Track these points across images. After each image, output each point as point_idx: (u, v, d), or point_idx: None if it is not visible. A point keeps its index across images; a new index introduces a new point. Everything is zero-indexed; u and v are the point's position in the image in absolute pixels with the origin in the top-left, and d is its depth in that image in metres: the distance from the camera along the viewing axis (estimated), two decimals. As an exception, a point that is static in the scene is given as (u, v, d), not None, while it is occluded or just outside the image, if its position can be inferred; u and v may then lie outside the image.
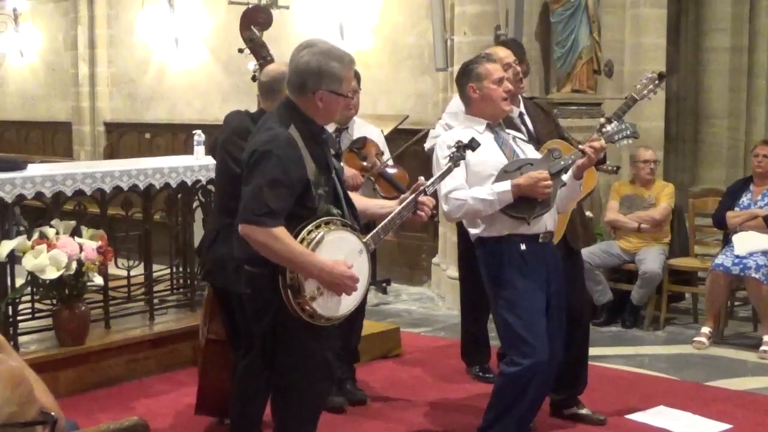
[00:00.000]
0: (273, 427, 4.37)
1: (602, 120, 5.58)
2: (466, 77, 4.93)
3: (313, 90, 3.99)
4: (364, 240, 4.08)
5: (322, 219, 3.93)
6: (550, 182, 4.67)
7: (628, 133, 5.03)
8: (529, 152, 4.95)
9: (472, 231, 4.86)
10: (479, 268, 5.03)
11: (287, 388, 4.22)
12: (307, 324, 3.94)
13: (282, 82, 4.73)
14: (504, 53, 5.58)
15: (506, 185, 4.64)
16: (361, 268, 4.02)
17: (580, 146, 4.86)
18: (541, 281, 4.82)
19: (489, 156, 4.77)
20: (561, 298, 4.98)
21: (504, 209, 4.69)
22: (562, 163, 4.80)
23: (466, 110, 4.99)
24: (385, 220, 4.23)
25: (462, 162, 4.56)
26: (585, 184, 5.41)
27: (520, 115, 5.53)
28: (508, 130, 5.03)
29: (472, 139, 4.49)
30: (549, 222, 4.88)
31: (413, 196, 4.26)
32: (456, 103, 6.42)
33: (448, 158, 4.47)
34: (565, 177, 4.86)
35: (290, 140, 3.91)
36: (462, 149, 4.45)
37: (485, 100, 4.88)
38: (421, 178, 4.39)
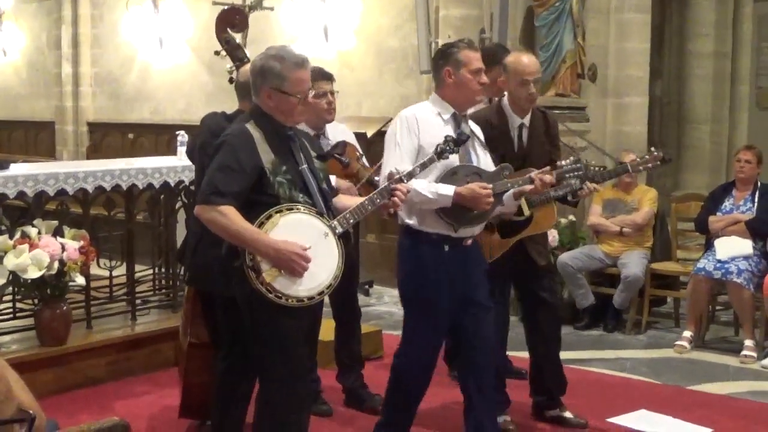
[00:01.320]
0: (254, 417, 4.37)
1: (591, 167, 5.55)
2: (444, 60, 4.86)
3: (259, 88, 4.22)
4: (330, 223, 4.15)
5: (284, 205, 4.07)
6: (492, 199, 4.68)
7: (580, 173, 5.07)
8: (482, 158, 4.90)
9: (403, 218, 4.80)
10: None
11: (266, 375, 4.29)
12: (280, 308, 4.05)
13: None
14: (524, 67, 5.40)
15: (449, 190, 4.62)
16: (328, 250, 4.13)
17: (531, 174, 4.86)
18: (456, 284, 4.81)
19: None
20: (484, 294, 4.96)
21: (438, 210, 4.69)
22: (509, 185, 4.82)
23: (436, 90, 4.92)
24: (356, 204, 4.29)
25: (415, 140, 4.67)
26: (540, 223, 5.48)
27: (521, 126, 5.46)
28: (470, 123, 4.98)
29: (461, 133, 4.54)
30: (476, 228, 4.90)
31: (388, 183, 4.32)
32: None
33: (435, 148, 4.48)
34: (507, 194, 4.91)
35: (244, 132, 4.15)
36: (450, 143, 4.47)
37: (459, 87, 4.81)
38: (395, 168, 4.43)
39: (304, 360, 4.38)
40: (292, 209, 4.07)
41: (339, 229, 4.19)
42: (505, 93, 5.54)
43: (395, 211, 4.45)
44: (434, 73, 4.97)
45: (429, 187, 4.63)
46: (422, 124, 4.75)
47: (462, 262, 4.84)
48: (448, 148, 4.47)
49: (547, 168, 4.97)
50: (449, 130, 4.74)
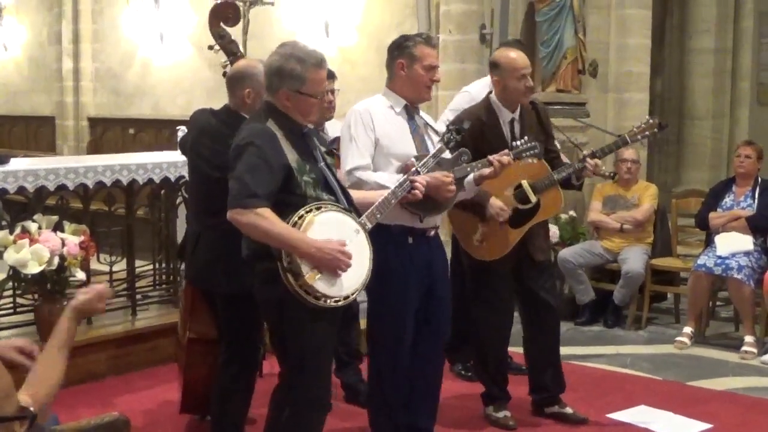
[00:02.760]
0: (270, 420, 4.33)
1: (586, 152, 5.58)
2: (399, 51, 4.84)
3: (276, 89, 4.09)
4: (360, 220, 4.12)
5: (313, 204, 3.97)
6: (454, 187, 4.68)
7: (535, 152, 5.09)
8: (438, 146, 4.90)
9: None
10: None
11: (294, 378, 4.16)
12: (312, 311, 3.96)
13: (243, 78, 4.77)
14: (522, 62, 5.42)
15: None
16: (360, 247, 4.07)
17: (488, 157, 4.87)
18: (421, 275, 4.84)
19: (398, 141, 4.76)
20: (446, 287, 5.03)
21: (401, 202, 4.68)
22: (468, 169, 4.84)
23: (388, 83, 4.92)
24: (380, 200, 4.28)
25: (371, 134, 4.69)
26: (548, 207, 5.50)
27: (512, 120, 5.47)
28: (422, 114, 5.00)
29: (463, 121, 4.55)
30: (438, 219, 4.93)
31: (406, 175, 4.36)
32: (459, 100, 6.44)
33: (441, 138, 4.51)
34: (467, 178, 4.93)
35: (267, 131, 4.01)
36: (455, 132, 4.53)
37: (410, 81, 4.81)
38: (412, 159, 4.48)
39: (329, 366, 4.33)
40: (321, 208, 3.98)
41: (369, 226, 4.16)
42: (492, 90, 5.55)
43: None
44: (388, 63, 4.92)
45: (391, 179, 4.62)
46: (376, 117, 4.76)
47: (426, 253, 4.88)
48: (452, 136, 4.53)
49: (505, 150, 4.98)
50: (402, 122, 4.81)
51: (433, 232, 4.91)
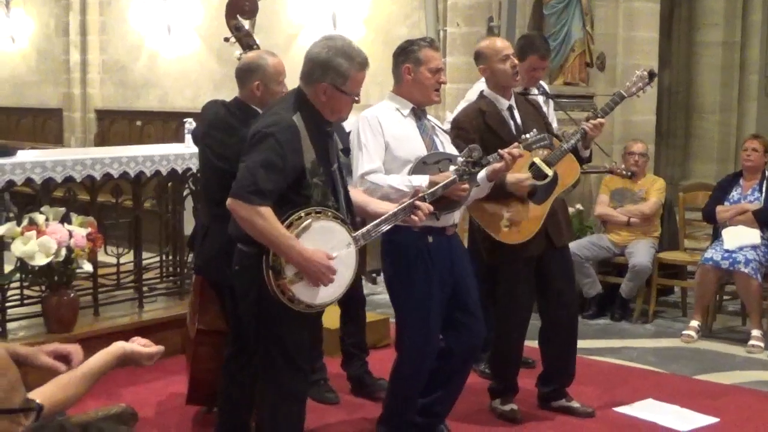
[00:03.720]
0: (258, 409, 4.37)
1: (589, 114, 5.59)
2: (404, 56, 4.88)
3: (316, 81, 4.06)
4: (354, 235, 4.12)
5: (314, 208, 3.98)
6: (467, 186, 4.69)
7: (545, 143, 5.09)
8: (447, 144, 4.96)
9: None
10: (483, 261, 5.09)
11: (268, 371, 4.25)
12: (287, 309, 4.00)
13: (252, 71, 4.78)
14: (502, 44, 5.51)
15: (424, 180, 4.62)
16: (347, 261, 4.08)
17: (499, 150, 4.87)
18: (443, 274, 4.86)
19: (409, 143, 4.78)
20: (471, 286, 5.04)
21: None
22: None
23: (395, 88, 4.95)
24: (379, 219, 4.27)
25: (380, 139, 4.70)
26: (566, 178, 5.48)
27: (509, 108, 5.48)
28: (429, 117, 5.02)
29: (483, 157, 4.55)
30: (456, 215, 4.95)
31: (412, 200, 4.33)
32: (473, 93, 6.44)
33: (456, 170, 4.51)
34: (481, 174, 4.91)
35: (292, 126, 3.98)
36: (471, 165, 4.51)
37: (417, 85, 4.84)
38: (423, 185, 4.47)
39: (305, 359, 4.33)
40: (321, 213, 3.99)
41: (361, 242, 4.16)
42: (483, 84, 5.57)
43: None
44: (394, 69, 4.96)
45: (404, 181, 4.66)
46: (384, 122, 4.79)
47: (447, 252, 4.89)
48: (467, 169, 4.52)
49: (515, 143, 4.97)
50: (410, 124, 4.82)
51: (452, 231, 4.93)
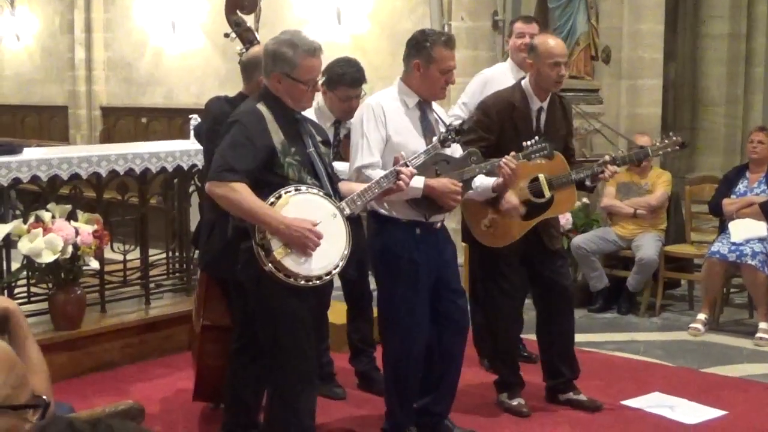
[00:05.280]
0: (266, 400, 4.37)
1: (607, 158, 5.55)
2: (416, 50, 4.82)
3: (270, 71, 4.24)
4: (338, 204, 4.20)
5: (293, 186, 4.11)
6: (459, 196, 4.74)
7: (545, 153, 5.10)
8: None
9: (373, 205, 4.79)
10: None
11: (276, 358, 4.29)
12: (287, 289, 4.08)
13: (259, 64, 4.78)
14: (557, 48, 5.42)
15: (419, 182, 4.62)
16: (336, 230, 4.18)
17: (500, 161, 4.90)
18: (430, 263, 4.87)
19: (410, 139, 4.77)
20: (458, 279, 5.10)
21: (408, 199, 4.71)
22: (477, 170, 4.87)
23: (404, 76, 4.91)
24: (364, 186, 4.35)
25: (383, 130, 4.70)
26: (560, 205, 5.54)
27: (540, 109, 5.46)
28: (435, 108, 5.01)
29: (463, 122, 4.57)
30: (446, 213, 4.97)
31: (394, 167, 4.39)
32: (472, 85, 6.46)
33: (438, 137, 4.53)
34: (483, 181, 4.97)
35: (255, 111, 4.20)
36: (452, 132, 4.55)
37: (425, 81, 4.81)
38: (401, 152, 4.51)
39: (311, 340, 4.36)
40: (300, 189, 4.11)
41: (347, 210, 4.24)
42: (526, 76, 5.55)
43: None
44: (405, 58, 4.91)
45: None
46: (388, 113, 4.77)
47: (434, 243, 4.91)
48: (450, 136, 4.55)
49: (512, 153, 4.98)
50: (414, 119, 4.82)
51: (439, 224, 4.96)
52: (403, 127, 4.77)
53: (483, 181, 5.00)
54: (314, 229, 4.05)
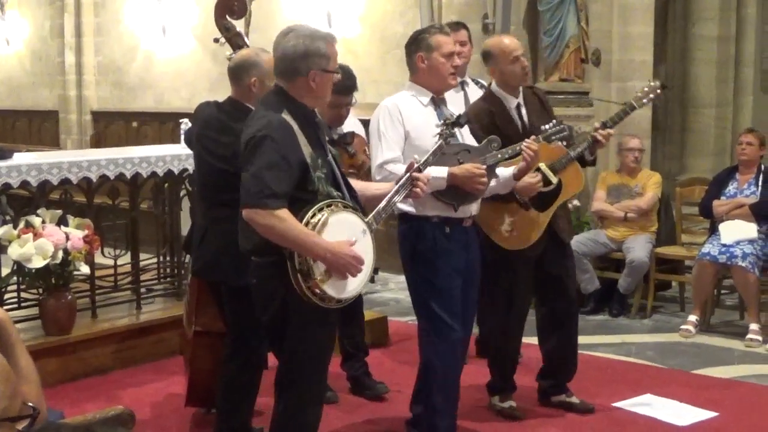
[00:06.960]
0: (274, 413, 4.33)
1: (597, 124, 5.55)
2: (416, 45, 4.89)
3: (306, 71, 3.98)
4: (367, 220, 4.07)
5: (324, 202, 3.90)
6: (485, 179, 4.71)
7: (564, 134, 5.12)
8: (466, 135, 4.95)
9: (399, 205, 4.71)
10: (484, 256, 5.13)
11: (294, 373, 4.15)
12: (316, 310, 3.91)
13: (249, 67, 4.76)
14: (511, 44, 5.46)
15: (443, 172, 4.62)
16: (366, 248, 4.01)
17: (521, 144, 4.89)
18: (460, 264, 4.86)
19: (427, 133, 4.71)
20: (477, 280, 5.05)
21: (434, 192, 4.69)
22: (499, 156, 4.86)
23: (411, 77, 4.95)
24: (385, 200, 4.23)
25: (400, 128, 4.71)
26: (570, 186, 5.50)
27: (518, 106, 5.47)
28: (449, 107, 5.01)
29: (460, 115, 4.57)
30: (474, 207, 4.93)
31: (408, 173, 4.29)
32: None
33: (438, 135, 4.48)
34: (502, 171, 4.94)
35: (284, 123, 3.90)
36: (451, 126, 4.49)
37: (432, 71, 4.84)
38: (415, 156, 4.40)
39: (327, 364, 4.29)
40: (331, 206, 3.90)
41: (375, 226, 4.10)
42: (492, 80, 5.56)
43: None
44: (408, 60, 4.96)
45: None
46: (405, 111, 4.79)
47: (464, 243, 4.89)
48: (448, 131, 4.48)
49: (532, 136, 4.99)
50: (430, 114, 4.81)
51: (469, 222, 4.93)
52: (420, 123, 4.75)
53: (503, 173, 4.97)
54: (358, 256, 3.90)
